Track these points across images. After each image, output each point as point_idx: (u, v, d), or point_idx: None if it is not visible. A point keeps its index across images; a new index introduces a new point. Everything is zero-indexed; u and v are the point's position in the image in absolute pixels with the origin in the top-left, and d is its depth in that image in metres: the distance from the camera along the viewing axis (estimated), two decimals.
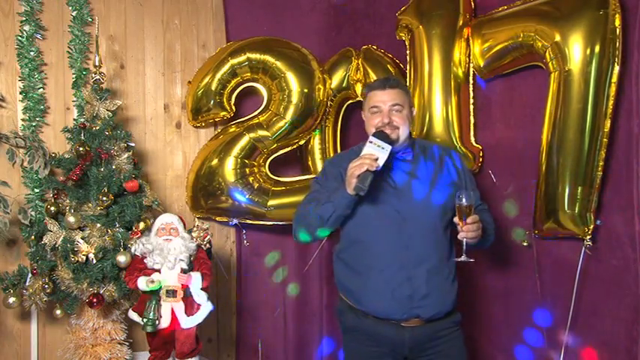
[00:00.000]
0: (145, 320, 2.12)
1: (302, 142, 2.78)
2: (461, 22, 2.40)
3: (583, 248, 2.02)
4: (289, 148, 2.77)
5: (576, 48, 1.96)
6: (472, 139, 2.43)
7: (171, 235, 2.19)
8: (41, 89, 2.49)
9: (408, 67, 2.57)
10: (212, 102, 2.71)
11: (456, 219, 1.81)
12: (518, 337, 2.33)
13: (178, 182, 2.83)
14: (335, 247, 2.03)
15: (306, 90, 2.62)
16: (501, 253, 2.38)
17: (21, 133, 2.39)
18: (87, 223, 2.25)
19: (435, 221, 1.87)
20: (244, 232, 2.82)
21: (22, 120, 2.45)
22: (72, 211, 2.24)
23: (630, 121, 1.94)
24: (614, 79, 1.91)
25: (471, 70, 2.42)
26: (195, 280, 2.16)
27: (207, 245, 2.31)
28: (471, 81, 2.43)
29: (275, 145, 2.68)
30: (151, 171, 2.78)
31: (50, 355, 2.50)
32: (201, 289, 2.17)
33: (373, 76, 2.68)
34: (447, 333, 1.88)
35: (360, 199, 1.82)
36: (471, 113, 2.44)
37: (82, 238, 2.20)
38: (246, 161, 2.66)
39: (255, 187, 2.66)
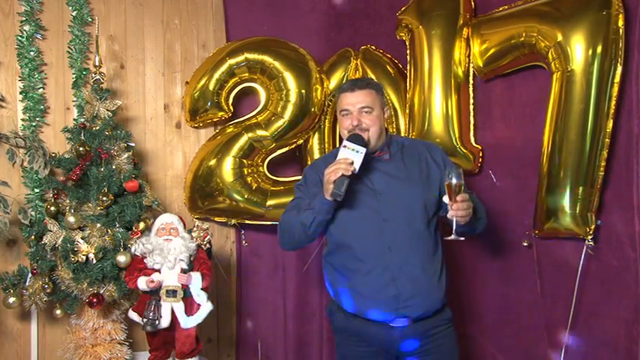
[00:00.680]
0: (145, 320, 2.12)
1: (300, 142, 2.78)
2: (461, 22, 2.40)
3: (584, 248, 2.02)
4: (287, 148, 2.77)
5: (579, 48, 1.96)
6: (472, 139, 2.43)
7: (171, 235, 2.19)
8: (41, 89, 2.49)
9: (408, 67, 2.57)
10: (209, 102, 2.71)
11: (445, 198, 1.77)
12: (519, 337, 2.33)
13: (178, 182, 2.83)
14: (324, 250, 2.03)
15: (303, 90, 2.62)
16: (501, 253, 2.38)
17: (21, 133, 2.39)
18: (87, 223, 2.25)
19: (416, 219, 1.86)
20: (243, 232, 2.83)
21: (22, 120, 2.45)
22: (72, 211, 2.24)
23: (631, 121, 1.93)
24: (617, 79, 1.91)
25: (471, 70, 2.42)
26: (195, 280, 2.16)
27: (207, 245, 2.31)
28: (471, 81, 2.43)
29: (273, 144, 2.68)
30: (150, 171, 2.78)
31: (50, 355, 2.50)
32: (201, 289, 2.17)
33: (372, 76, 2.68)
34: (438, 331, 1.89)
35: (339, 204, 1.82)
36: (471, 113, 2.44)
37: (82, 238, 2.20)
38: (245, 161, 2.66)
39: (254, 187, 2.66)
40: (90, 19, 2.58)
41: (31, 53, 2.46)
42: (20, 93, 2.45)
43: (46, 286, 2.24)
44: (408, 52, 2.57)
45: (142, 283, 2.14)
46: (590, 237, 2.00)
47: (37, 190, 2.42)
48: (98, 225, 2.23)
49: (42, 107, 2.48)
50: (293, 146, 2.78)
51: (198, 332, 2.25)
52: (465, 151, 2.38)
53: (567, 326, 2.09)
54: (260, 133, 2.64)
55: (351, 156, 1.75)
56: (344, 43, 2.88)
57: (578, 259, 2.04)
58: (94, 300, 2.16)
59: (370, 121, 1.88)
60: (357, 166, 1.75)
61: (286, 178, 2.79)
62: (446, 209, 1.93)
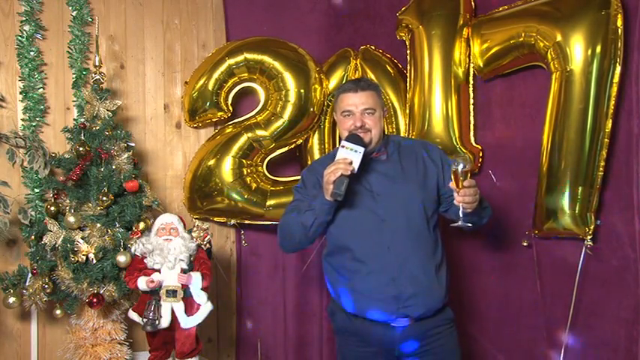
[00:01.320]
0: (145, 320, 2.12)
1: (300, 142, 2.78)
2: (461, 22, 2.40)
3: (584, 248, 2.02)
4: (287, 148, 2.77)
5: (578, 48, 1.96)
6: (472, 139, 2.43)
7: (171, 235, 2.19)
8: (41, 89, 2.49)
9: (408, 67, 2.57)
10: (208, 103, 2.71)
11: (452, 184, 1.74)
12: (519, 337, 2.33)
13: (178, 182, 2.83)
14: (324, 251, 2.03)
15: (302, 90, 2.62)
16: (501, 252, 2.38)
17: (21, 133, 2.39)
18: (87, 223, 2.25)
19: (415, 219, 1.86)
20: (242, 232, 2.83)
21: (22, 120, 2.45)
22: (72, 211, 2.24)
23: (630, 121, 1.94)
24: (616, 79, 1.91)
25: (471, 70, 2.42)
26: (195, 280, 2.16)
27: (207, 245, 2.31)
28: (471, 81, 2.43)
29: (273, 144, 2.68)
30: (150, 171, 2.78)
31: (50, 355, 2.50)
32: (201, 289, 2.17)
33: (372, 77, 2.68)
34: (439, 331, 1.88)
35: (338, 205, 1.82)
36: (471, 113, 2.44)
37: (82, 238, 2.21)
38: (244, 161, 2.67)
39: (253, 187, 2.66)
40: (90, 19, 2.58)
41: (31, 53, 2.46)
42: (20, 93, 2.45)
43: (46, 286, 2.24)
44: (408, 52, 2.57)
45: (142, 283, 2.14)
46: (589, 237, 2.00)
47: (37, 190, 2.42)
48: (98, 225, 2.23)
49: (42, 107, 2.49)
50: (292, 146, 2.78)
51: (198, 332, 2.25)
52: (465, 151, 2.38)
53: (567, 326, 2.09)
54: (259, 133, 2.64)
55: (350, 156, 1.76)
56: (344, 43, 2.88)
57: (577, 259, 2.04)
58: (94, 300, 2.16)
59: (372, 122, 1.88)
60: (355, 165, 1.75)
61: (286, 178, 2.79)
62: (446, 205, 1.94)
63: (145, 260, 2.18)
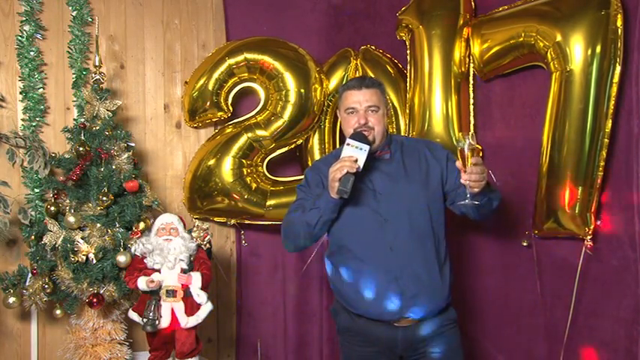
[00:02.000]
0: (145, 320, 2.12)
1: (300, 142, 2.78)
2: (461, 22, 2.40)
3: (583, 248, 2.02)
4: (287, 148, 2.77)
5: (577, 48, 1.96)
6: None
7: (171, 235, 2.19)
8: (41, 89, 2.49)
9: (408, 67, 2.57)
10: (208, 102, 2.71)
11: (458, 163, 1.72)
12: (519, 337, 2.33)
13: (178, 182, 2.83)
14: (326, 250, 2.03)
15: (302, 90, 2.62)
16: (501, 252, 2.38)
17: (21, 133, 2.39)
18: (87, 223, 2.25)
19: (418, 219, 1.86)
20: (242, 232, 2.83)
21: (22, 120, 2.45)
22: (72, 211, 2.24)
23: (630, 121, 1.94)
24: (616, 79, 1.91)
25: (471, 70, 2.42)
26: (195, 280, 2.16)
27: (207, 245, 2.31)
28: (471, 81, 2.44)
29: (273, 144, 2.68)
30: (150, 171, 2.78)
31: (50, 355, 2.50)
32: (201, 289, 2.17)
33: (372, 76, 2.68)
34: (442, 331, 1.88)
35: (343, 203, 1.82)
36: (471, 113, 2.44)
37: (82, 238, 2.21)
38: (244, 161, 2.66)
39: (253, 187, 2.66)
40: (90, 19, 2.58)
41: (31, 53, 2.46)
42: (20, 93, 2.45)
43: (46, 286, 2.24)
44: (408, 52, 2.57)
45: (142, 283, 2.14)
46: (589, 237, 2.00)
47: (37, 190, 2.42)
48: (98, 225, 2.23)
49: (42, 107, 2.49)
50: (293, 146, 2.78)
51: (198, 332, 2.25)
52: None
53: (567, 326, 2.09)
54: (259, 133, 2.64)
55: (355, 153, 1.75)
56: (344, 43, 2.88)
57: (577, 259, 2.05)
58: (94, 300, 2.16)
59: (376, 120, 1.88)
60: (360, 163, 1.75)
61: (286, 178, 2.79)
62: (452, 197, 1.92)
63: (145, 260, 2.18)
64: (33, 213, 2.38)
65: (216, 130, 2.81)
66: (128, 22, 2.74)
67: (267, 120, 2.65)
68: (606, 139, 1.94)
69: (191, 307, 2.17)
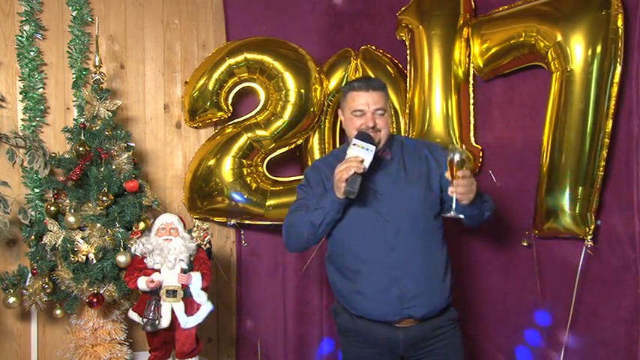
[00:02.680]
0: (145, 320, 2.12)
1: (300, 142, 2.78)
2: (461, 22, 2.40)
3: (584, 248, 2.02)
4: (287, 148, 2.77)
5: (578, 48, 1.96)
6: (472, 139, 2.43)
7: (171, 235, 2.19)
8: (41, 89, 2.49)
9: (408, 67, 2.57)
10: (209, 102, 2.71)
11: (447, 174, 1.73)
12: (518, 337, 2.33)
13: (178, 182, 2.83)
14: (326, 251, 2.03)
15: (302, 90, 2.62)
16: (501, 252, 2.38)
17: (21, 133, 2.39)
18: (87, 223, 2.25)
19: (418, 220, 1.86)
20: (242, 232, 2.83)
21: (22, 120, 2.45)
22: (72, 211, 2.24)
23: (630, 121, 1.94)
24: (616, 79, 1.91)
25: (471, 70, 2.42)
26: (195, 280, 2.16)
27: (207, 245, 2.31)
28: (471, 81, 2.44)
29: (273, 144, 2.68)
30: (150, 171, 2.78)
31: (50, 355, 2.50)
32: (201, 289, 2.17)
33: (372, 76, 2.68)
34: (443, 331, 1.88)
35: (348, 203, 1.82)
36: (471, 113, 2.44)
37: (82, 238, 2.20)
38: (244, 161, 2.66)
39: (253, 187, 2.66)
40: (90, 19, 2.58)
41: (31, 53, 2.46)
42: (20, 93, 2.45)
43: (46, 286, 2.24)
44: (408, 52, 2.57)
45: (142, 283, 2.13)
46: (589, 237, 2.00)
47: (37, 190, 2.42)
48: (98, 225, 2.23)
49: (42, 107, 2.48)
50: (293, 146, 2.78)
51: (198, 332, 2.25)
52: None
53: (567, 326, 2.09)
54: (259, 133, 2.64)
55: (362, 154, 1.74)
56: (344, 43, 2.88)
57: (577, 259, 2.05)
58: (94, 300, 2.16)
59: (383, 122, 1.87)
60: (367, 164, 1.74)
61: (286, 178, 2.79)
62: (450, 207, 1.93)
63: (145, 260, 2.18)
64: (33, 213, 2.38)
65: (216, 130, 2.81)
66: (128, 22, 2.74)
67: (267, 120, 2.65)
68: (606, 139, 1.94)
69: (191, 307, 2.17)
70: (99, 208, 2.26)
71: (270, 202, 2.65)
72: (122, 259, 2.21)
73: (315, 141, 2.82)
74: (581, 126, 1.96)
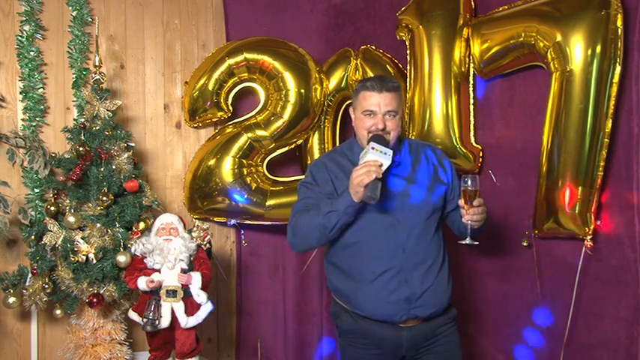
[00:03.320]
0: (145, 320, 2.12)
1: (300, 142, 2.78)
2: (461, 22, 2.40)
3: (583, 248, 2.02)
4: (287, 148, 2.77)
5: (578, 48, 1.96)
6: (472, 139, 2.43)
7: (171, 235, 2.19)
8: (41, 89, 2.49)
9: (408, 67, 2.57)
10: (209, 102, 2.71)
11: (461, 202, 1.80)
12: (518, 337, 2.33)
13: (178, 182, 2.83)
14: (325, 251, 2.01)
15: (302, 90, 2.62)
16: (501, 253, 2.38)
17: (21, 133, 2.39)
18: (87, 223, 2.25)
19: (427, 220, 1.87)
20: (242, 232, 2.83)
21: (22, 120, 2.45)
22: (72, 211, 2.24)
23: (630, 121, 1.94)
24: (616, 79, 1.91)
25: (471, 70, 2.42)
26: (196, 280, 2.16)
27: (207, 245, 2.31)
28: (471, 81, 2.43)
29: (273, 144, 2.68)
30: (150, 171, 2.78)
31: (50, 355, 2.50)
32: (201, 289, 2.17)
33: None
34: (443, 330, 1.88)
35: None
36: (471, 113, 2.44)
37: (82, 238, 2.21)
38: (244, 161, 2.66)
39: (253, 187, 2.66)
40: (90, 19, 2.58)
41: (31, 53, 2.46)
42: (20, 93, 2.45)
43: (46, 286, 2.24)
44: (408, 52, 2.57)
45: (142, 283, 2.14)
46: (589, 237, 2.00)
47: (37, 190, 2.42)
48: (98, 225, 2.23)
49: (42, 107, 2.49)
50: (293, 146, 2.77)
51: (199, 332, 2.25)
52: (465, 151, 2.38)
53: (567, 326, 2.09)
54: (259, 133, 2.64)
55: (380, 158, 1.72)
56: (344, 43, 2.88)
57: (577, 259, 2.05)
58: (94, 300, 2.16)
59: (394, 124, 1.84)
60: (384, 168, 1.73)
61: (286, 178, 2.79)
62: (449, 213, 1.96)
63: (145, 260, 2.18)
64: (33, 213, 2.38)
65: (216, 130, 2.81)
66: (128, 22, 2.74)
67: (267, 120, 2.65)
68: (606, 139, 1.94)
69: (191, 307, 2.17)
70: (99, 208, 2.26)
71: (270, 202, 2.65)
72: (122, 259, 2.21)
73: (315, 141, 2.82)
74: (581, 126, 1.96)
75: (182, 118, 2.85)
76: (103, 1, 2.66)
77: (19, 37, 2.44)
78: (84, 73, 2.56)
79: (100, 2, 2.65)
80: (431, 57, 2.42)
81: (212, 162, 2.64)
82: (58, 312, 2.34)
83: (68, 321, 2.40)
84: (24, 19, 2.44)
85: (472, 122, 2.44)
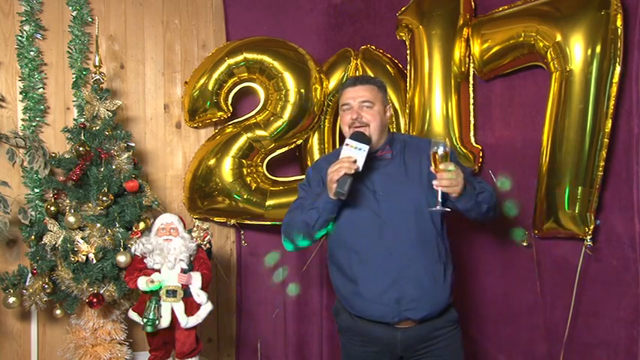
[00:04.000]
0: (145, 320, 2.12)
1: (300, 142, 2.78)
2: (461, 22, 2.40)
3: (583, 248, 2.02)
4: (287, 148, 2.77)
5: (577, 48, 1.96)
6: (472, 139, 2.43)
7: (171, 235, 2.19)
8: (41, 89, 2.49)
9: (408, 67, 2.57)
10: (209, 102, 2.71)
11: (432, 168, 1.73)
12: (518, 337, 2.33)
13: (178, 182, 2.83)
14: (327, 251, 2.02)
15: (302, 90, 2.62)
16: (501, 252, 2.38)
17: (21, 133, 2.39)
18: (87, 223, 2.25)
19: (419, 220, 1.83)
20: (242, 232, 2.83)
21: (22, 120, 2.45)
22: (72, 211, 2.24)
23: (630, 121, 1.94)
24: (616, 79, 1.91)
25: (471, 70, 2.42)
26: (196, 280, 2.16)
27: (207, 245, 2.31)
28: (471, 81, 2.44)
29: (273, 144, 2.68)
30: (150, 171, 2.78)
31: (50, 355, 2.50)
32: (201, 289, 2.17)
33: (371, 75, 2.67)
34: (442, 333, 1.87)
35: (342, 203, 1.82)
36: (471, 113, 2.44)
37: (82, 238, 2.21)
38: (244, 161, 2.67)
39: (253, 187, 2.66)
40: (90, 19, 2.58)
41: (31, 53, 2.46)
42: (20, 93, 2.45)
43: (46, 286, 2.24)
44: (408, 52, 2.57)
45: (142, 283, 2.14)
46: (589, 237, 2.00)
47: (37, 190, 2.42)
48: (98, 225, 2.23)
49: (42, 107, 2.49)
50: (292, 146, 2.78)
51: (199, 332, 2.25)
52: (465, 151, 2.38)
53: (567, 326, 2.09)
54: (259, 133, 2.64)
55: (354, 154, 1.74)
56: (344, 43, 2.88)
57: (577, 259, 2.05)
58: (94, 300, 2.16)
59: (371, 116, 1.86)
60: (360, 164, 1.74)
61: (286, 178, 2.79)
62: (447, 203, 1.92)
63: (145, 260, 2.18)
64: (33, 213, 2.38)
65: (216, 130, 2.81)
66: (128, 22, 2.74)
67: (266, 120, 2.65)
68: (606, 139, 1.94)
69: (191, 307, 2.17)
70: (99, 208, 2.26)
71: (269, 202, 2.65)
72: (122, 259, 2.21)
73: (314, 141, 2.82)
74: (581, 126, 1.96)
75: (182, 118, 2.85)
76: (103, 1, 2.66)
77: (19, 37, 2.44)
78: (84, 73, 2.56)
79: (100, 2, 2.65)
80: (431, 57, 2.42)
81: (212, 162, 2.64)
82: (58, 312, 2.34)
83: (68, 321, 2.40)
84: (24, 19, 2.44)
85: (472, 122, 2.44)
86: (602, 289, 2.04)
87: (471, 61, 2.40)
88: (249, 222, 2.75)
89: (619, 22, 1.89)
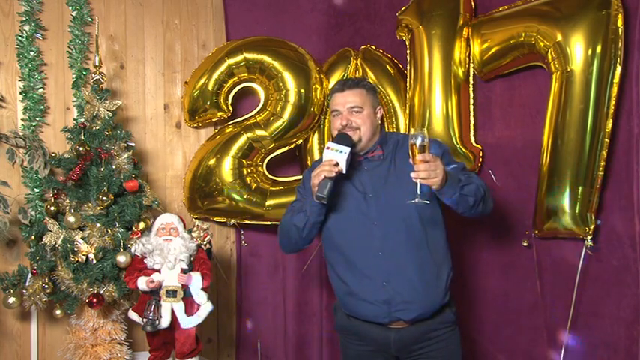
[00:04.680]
0: (144, 320, 2.12)
1: (300, 142, 2.78)
2: (461, 22, 2.40)
3: (583, 248, 2.02)
4: (287, 148, 2.76)
5: (578, 48, 1.96)
6: (472, 139, 2.43)
7: (171, 235, 2.19)
8: (41, 89, 2.49)
9: (408, 67, 2.57)
10: (208, 102, 2.71)
11: (410, 159, 1.68)
12: (519, 337, 2.33)
13: (178, 182, 2.83)
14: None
15: (302, 90, 2.62)
16: (501, 252, 2.38)
17: (21, 133, 2.39)
18: (87, 223, 2.25)
19: (410, 221, 1.81)
20: (242, 232, 2.83)
21: (22, 120, 2.45)
22: (72, 211, 2.24)
23: (630, 121, 1.94)
24: (616, 79, 1.91)
25: (471, 70, 2.42)
26: (196, 280, 2.16)
27: (207, 245, 2.31)
28: (471, 81, 2.44)
29: (273, 144, 2.68)
30: (150, 171, 2.78)
31: (50, 355, 2.50)
32: (201, 289, 2.17)
33: (372, 76, 2.68)
34: (438, 334, 1.85)
35: (330, 206, 1.82)
36: (471, 113, 2.44)
37: (82, 238, 2.21)
38: (244, 161, 2.66)
39: (253, 187, 2.66)
40: (90, 19, 2.58)
41: (31, 53, 2.46)
42: (20, 93, 2.45)
43: (46, 286, 2.24)
44: (408, 52, 2.57)
45: (142, 283, 2.14)
46: (589, 237, 2.00)
47: (37, 190, 2.41)
48: (98, 225, 2.23)
49: (42, 107, 2.48)
50: (292, 146, 2.77)
51: (198, 332, 2.25)
52: (465, 151, 2.38)
53: (567, 326, 2.09)
54: (259, 133, 2.64)
55: (335, 157, 1.73)
56: (344, 43, 2.88)
57: (577, 259, 2.05)
58: (94, 300, 2.16)
59: (360, 120, 1.86)
60: (342, 166, 1.72)
61: (286, 178, 2.79)
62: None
63: (145, 260, 2.18)
64: (33, 213, 2.38)
65: (216, 130, 2.81)
66: (128, 22, 2.74)
67: (266, 120, 2.65)
68: (606, 139, 1.94)
69: (191, 307, 2.17)
70: (99, 208, 2.26)
71: (269, 202, 2.65)
72: (122, 259, 2.21)
73: (314, 141, 2.82)
74: (581, 126, 1.96)
75: (182, 118, 2.85)
76: (103, 1, 2.66)
77: (19, 37, 2.44)
78: (84, 73, 2.56)
79: (100, 2, 2.65)
80: (431, 57, 2.42)
81: (212, 162, 2.64)
82: (58, 312, 2.34)
83: (68, 321, 2.40)
84: (24, 19, 2.44)
85: (472, 122, 2.44)
86: (602, 289, 2.04)
87: (471, 61, 2.40)
88: (249, 222, 2.75)
89: (619, 22, 1.90)
